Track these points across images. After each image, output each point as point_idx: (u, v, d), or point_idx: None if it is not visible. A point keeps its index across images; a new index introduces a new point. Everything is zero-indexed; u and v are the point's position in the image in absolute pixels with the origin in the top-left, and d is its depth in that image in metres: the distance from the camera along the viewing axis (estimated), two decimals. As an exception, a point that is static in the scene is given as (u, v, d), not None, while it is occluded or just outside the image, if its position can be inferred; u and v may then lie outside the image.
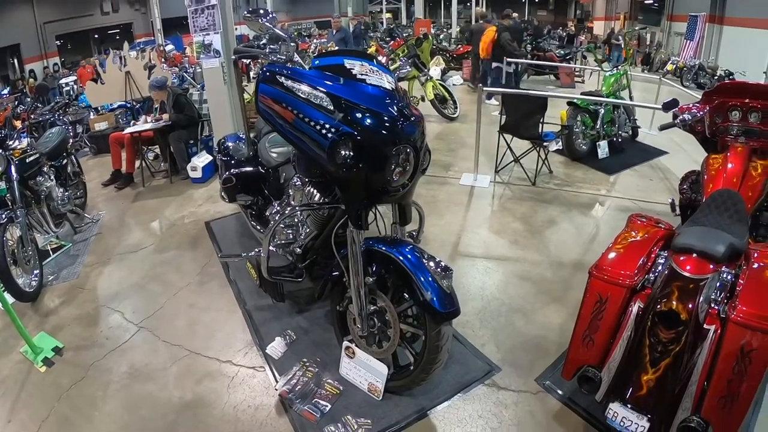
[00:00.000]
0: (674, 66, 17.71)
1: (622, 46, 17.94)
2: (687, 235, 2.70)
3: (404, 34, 12.35)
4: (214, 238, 5.03)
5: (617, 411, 2.43)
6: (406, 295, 2.77)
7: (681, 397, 2.39)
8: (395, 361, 3.01)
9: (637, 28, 22.31)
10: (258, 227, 4.04)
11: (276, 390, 3.02)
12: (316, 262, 3.29)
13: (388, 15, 28.19)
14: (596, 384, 2.59)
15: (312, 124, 2.45)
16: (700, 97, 3.94)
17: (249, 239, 4.72)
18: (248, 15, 2.87)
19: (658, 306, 2.42)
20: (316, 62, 2.64)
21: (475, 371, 3.18)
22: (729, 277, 2.58)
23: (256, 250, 3.36)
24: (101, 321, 3.86)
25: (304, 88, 2.50)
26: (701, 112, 3.78)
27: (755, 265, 2.53)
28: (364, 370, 2.98)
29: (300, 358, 3.25)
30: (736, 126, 3.62)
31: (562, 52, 15.54)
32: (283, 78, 2.57)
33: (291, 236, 3.39)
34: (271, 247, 3.23)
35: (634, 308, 2.53)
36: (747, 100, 3.58)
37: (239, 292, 4.04)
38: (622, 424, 2.42)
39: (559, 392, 3.05)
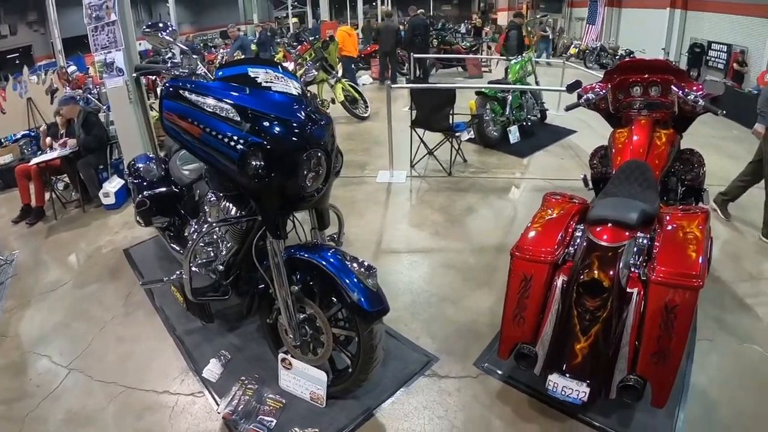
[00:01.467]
0: (577, 49, 18.49)
1: (550, 36, 18.55)
2: (601, 207, 2.82)
3: (311, 38, 12.29)
4: (135, 265, 4.83)
5: (557, 381, 2.54)
6: (334, 299, 2.75)
7: (616, 359, 2.50)
8: (333, 366, 2.98)
9: (538, 16, 22.96)
10: (178, 249, 3.92)
11: (218, 413, 2.93)
12: (241, 278, 3.21)
13: (295, 19, 27.97)
14: (533, 359, 2.67)
15: (220, 137, 2.40)
16: (602, 76, 4.10)
17: (170, 262, 4.55)
18: (147, 30, 2.78)
19: (581, 277, 2.52)
20: (220, 73, 2.58)
21: (414, 364, 3.21)
22: (645, 241, 2.71)
23: (178, 272, 3.26)
24: (29, 368, 3.63)
25: (209, 101, 2.44)
26: (604, 91, 3.94)
27: (668, 227, 2.67)
28: (304, 379, 2.94)
29: (238, 377, 3.16)
30: (638, 100, 3.80)
31: (467, 44, 15.91)
32: (186, 92, 2.50)
33: (212, 254, 3.31)
34: (193, 268, 3.13)
35: (559, 282, 2.62)
36: (646, 75, 3.75)
37: (167, 318, 3.89)
38: (563, 393, 2.53)
39: (499, 372, 3.13)
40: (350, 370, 2.83)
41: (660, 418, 2.79)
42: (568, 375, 2.53)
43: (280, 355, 3.01)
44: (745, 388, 3.11)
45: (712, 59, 13.68)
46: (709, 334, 3.55)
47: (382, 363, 2.84)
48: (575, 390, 2.50)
